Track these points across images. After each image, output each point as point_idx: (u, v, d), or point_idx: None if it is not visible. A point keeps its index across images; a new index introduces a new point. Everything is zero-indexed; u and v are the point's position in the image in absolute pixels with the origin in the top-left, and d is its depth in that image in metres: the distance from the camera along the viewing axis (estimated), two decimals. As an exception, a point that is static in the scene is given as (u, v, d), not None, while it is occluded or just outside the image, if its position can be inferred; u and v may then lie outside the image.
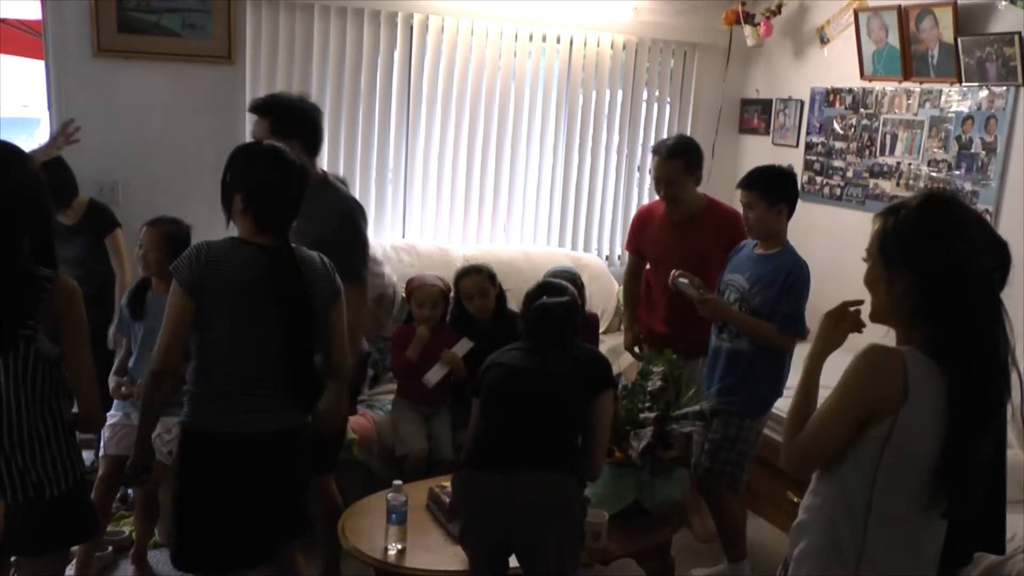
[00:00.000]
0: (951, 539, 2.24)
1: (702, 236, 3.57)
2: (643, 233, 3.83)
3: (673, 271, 3.25)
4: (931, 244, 1.66)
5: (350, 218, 2.85)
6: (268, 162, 2.33)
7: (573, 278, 3.67)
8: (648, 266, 3.86)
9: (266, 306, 2.26)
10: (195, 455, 2.34)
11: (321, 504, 2.93)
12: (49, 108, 4.03)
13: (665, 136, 5.09)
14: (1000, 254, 1.69)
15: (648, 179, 5.30)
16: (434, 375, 3.57)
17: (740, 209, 3.25)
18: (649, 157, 5.25)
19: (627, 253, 4.07)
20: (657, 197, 3.74)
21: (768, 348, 3.12)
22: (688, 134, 5.15)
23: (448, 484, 2.98)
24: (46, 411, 2.14)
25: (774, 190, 3.11)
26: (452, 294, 3.86)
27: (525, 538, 2.44)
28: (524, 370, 2.53)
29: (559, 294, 2.62)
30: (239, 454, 2.30)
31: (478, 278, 3.78)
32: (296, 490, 2.45)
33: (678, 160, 3.55)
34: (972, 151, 4.01)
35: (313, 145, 2.84)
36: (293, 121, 2.77)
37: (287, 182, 2.33)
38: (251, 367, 2.31)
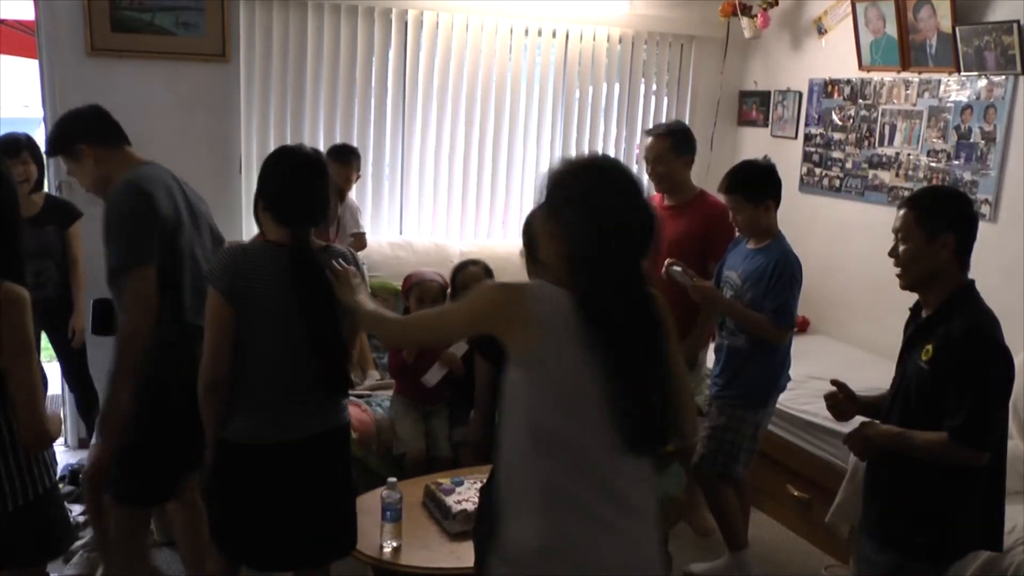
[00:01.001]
0: (944, 535, 2.24)
1: (684, 224, 3.56)
2: None
3: (668, 259, 3.25)
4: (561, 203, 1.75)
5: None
6: (285, 160, 2.35)
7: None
8: None
9: (296, 306, 2.27)
10: (244, 468, 2.33)
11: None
12: (44, 108, 4.02)
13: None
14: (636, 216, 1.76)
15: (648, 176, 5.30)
16: (433, 375, 3.56)
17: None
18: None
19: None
20: (653, 192, 3.72)
21: (762, 343, 3.13)
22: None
23: (445, 481, 2.98)
24: (2, 420, 2.02)
25: (757, 190, 3.12)
26: (449, 291, 3.85)
27: None
28: None
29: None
30: (291, 461, 2.32)
31: (475, 270, 3.80)
32: (349, 491, 2.49)
33: (668, 138, 3.59)
34: (971, 141, 3.98)
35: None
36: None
37: (300, 179, 2.33)
38: (290, 371, 2.30)
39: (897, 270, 2.33)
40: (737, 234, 3.31)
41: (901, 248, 2.30)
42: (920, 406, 2.23)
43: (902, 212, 2.30)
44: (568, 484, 1.69)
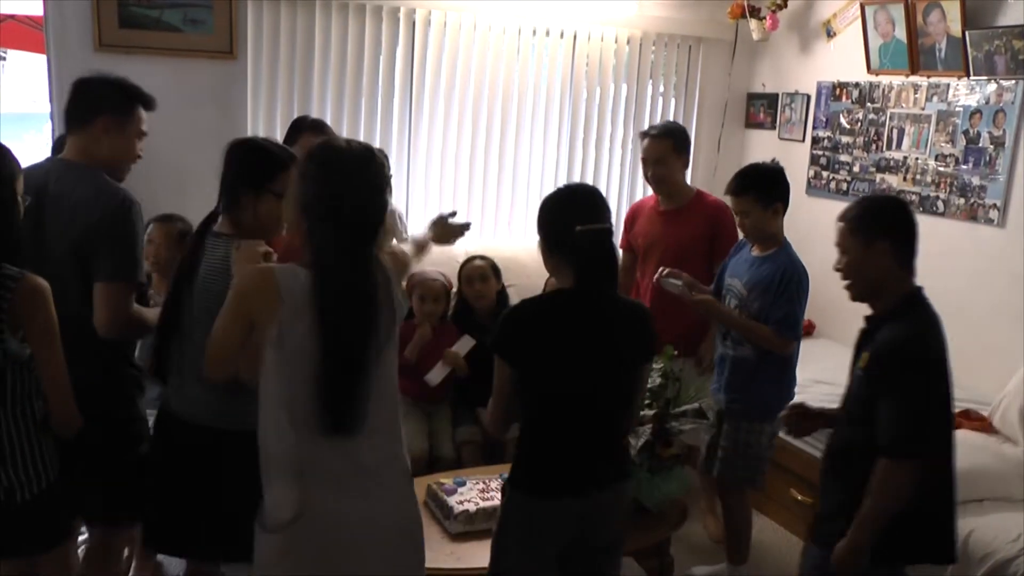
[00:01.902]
0: (886, 536, 2.22)
1: (688, 226, 3.55)
2: (633, 226, 3.83)
3: (660, 268, 3.20)
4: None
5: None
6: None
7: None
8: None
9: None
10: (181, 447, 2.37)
11: None
12: (51, 103, 4.02)
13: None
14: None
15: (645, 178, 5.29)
16: (436, 375, 3.56)
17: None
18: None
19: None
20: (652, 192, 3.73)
21: (769, 352, 3.07)
22: (693, 129, 5.16)
23: (447, 481, 2.97)
24: (18, 413, 2.09)
25: (768, 191, 3.06)
26: (454, 290, 3.85)
27: None
28: None
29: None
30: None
31: (482, 263, 3.84)
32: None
33: (667, 139, 3.57)
34: (980, 145, 3.96)
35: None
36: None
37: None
38: None
39: (846, 283, 2.37)
40: (741, 236, 3.27)
41: (843, 261, 2.34)
42: (860, 413, 2.27)
43: (839, 226, 2.34)
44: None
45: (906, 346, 2.21)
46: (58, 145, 3.70)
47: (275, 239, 2.32)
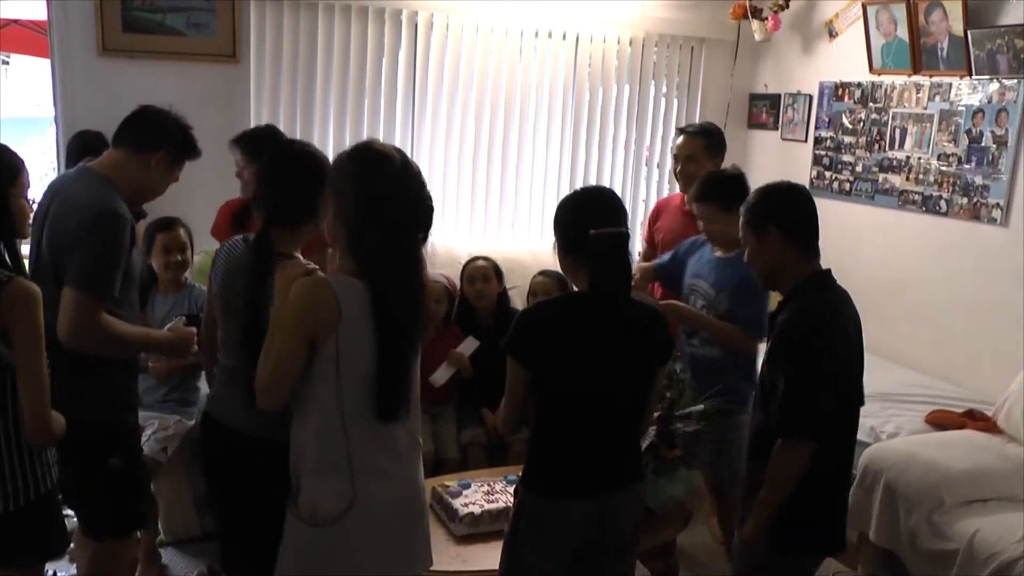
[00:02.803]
0: (778, 529, 2.27)
1: None
2: (656, 221, 3.90)
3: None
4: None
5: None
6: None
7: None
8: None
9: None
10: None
11: None
12: (55, 107, 4.04)
13: (672, 132, 5.06)
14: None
15: (656, 175, 5.30)
16: (441, 375, 3.57)
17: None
18: (657, 153, 5.27)
19: (639, 248, 4.12)
20: (666, 194, 3.74)
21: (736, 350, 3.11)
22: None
23: (452, 483, 2.98)
24: (10, 419, 2.04)
25: (731, 198, 3.05)
26: (457, 292, 3.86)
27: None
28: None
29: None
30: None
31: (484, 264, 3.85)
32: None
33: (702, 138, 3.64)
34: (983, 144, 3.96)
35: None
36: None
37: None
38: None
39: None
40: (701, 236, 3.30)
41: (746, 252, 2.40)
42: (759, 395, 2.36)
43: (740, 221, 2.40)
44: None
45: (792, 327, 2.24)
46: (70, 149, 3.73)
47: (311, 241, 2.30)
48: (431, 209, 1.98)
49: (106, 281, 2.29)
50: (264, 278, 2.10)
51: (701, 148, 3.61)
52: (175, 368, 3.33)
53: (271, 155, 2.34)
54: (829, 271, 2.36)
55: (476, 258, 3.93)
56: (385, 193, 1.89)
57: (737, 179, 3.20)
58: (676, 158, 3.69)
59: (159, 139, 2.46)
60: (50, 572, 2.84)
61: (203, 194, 3.56)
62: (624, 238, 2.16)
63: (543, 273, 3.82)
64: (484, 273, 3.82)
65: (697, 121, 5.20)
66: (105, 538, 2.55)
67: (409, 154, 5.01)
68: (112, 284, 2.31)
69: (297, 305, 1.88)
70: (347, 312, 1.87)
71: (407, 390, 1.99)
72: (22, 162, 2.37)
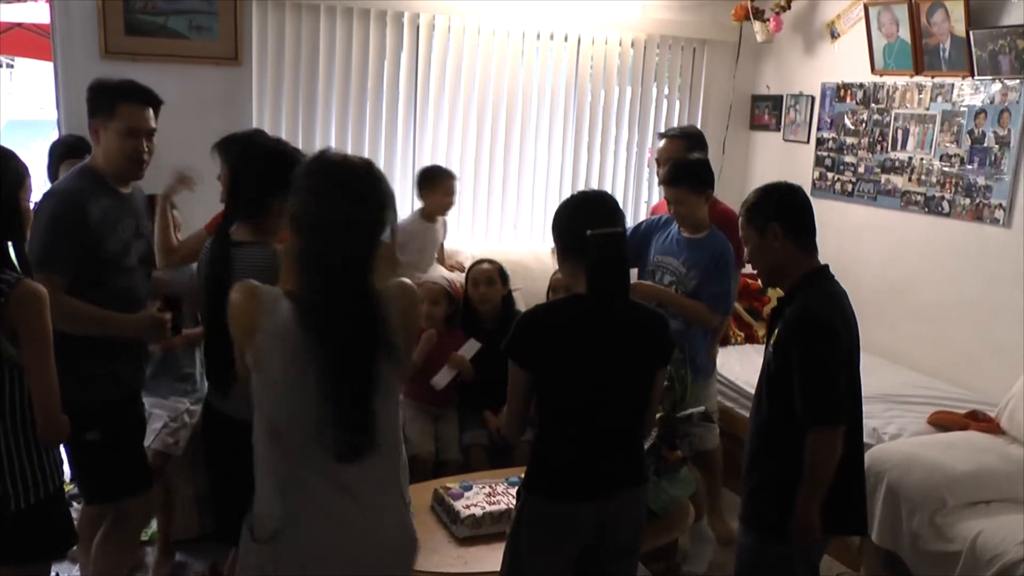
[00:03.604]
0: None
1: None
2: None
3: None
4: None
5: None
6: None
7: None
8: None
9: None
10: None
11: None
12: (58, 110, 4.04)
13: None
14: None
15: (657, 176, 5.29)
16: (442, 378, 3.57)
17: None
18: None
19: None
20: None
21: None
22: (698, 131, 5.15)
23: (454, 485, 2.98)
24: (17, 419, 2.07)
25: (700, 181, 3.33)
26: (460, 294, 3.86)
27: None
28: None
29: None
30: None
31: (489, 267, 3.85)
32: None
33: (682, 141, 3.74)
34: (985, 145, 3.95)
35: None
36: None
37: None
38: None
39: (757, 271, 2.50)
40: (667, 214, 3.47)
41: (747, 250, 2.44)
42: (767, 388, 2.35)
43: (741, 221, 2.45)
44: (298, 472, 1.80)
45: (806, 314, 2.28)
46: (52, 154, 3.74)
47: (283, 235, 2.26)
48: (369, 225, 1.80)
49: (55, 258, 2.33)
50: (218, 264, 2.21)
51: (682, 151, 3.65)
52: (168, 347, 3.26)
53: (238, 151, 2.37)
54: (827, 266, 2.42)
55: (482, 261, 3.92)
56: (314, 200, 1.77)
57: (703, 163, 3.44)
58: (659, 162, 3.78)
59: (88, 113, 2.52)
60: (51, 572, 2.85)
61: (204, 195, 3.55)
62: (621, 238, 2.17)
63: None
64: (489, 276, 3.81)
65: (698, 123, 5.23)
66: (94, 504, 2.74)
67: (411, 156, 5.05)
68: (61, 261, 2.34)
69: (231, 304, 1.79)
70: (267, 324, 1.74)
71: (363, 423, 1.77)
72: (26, 167, 2.39)
